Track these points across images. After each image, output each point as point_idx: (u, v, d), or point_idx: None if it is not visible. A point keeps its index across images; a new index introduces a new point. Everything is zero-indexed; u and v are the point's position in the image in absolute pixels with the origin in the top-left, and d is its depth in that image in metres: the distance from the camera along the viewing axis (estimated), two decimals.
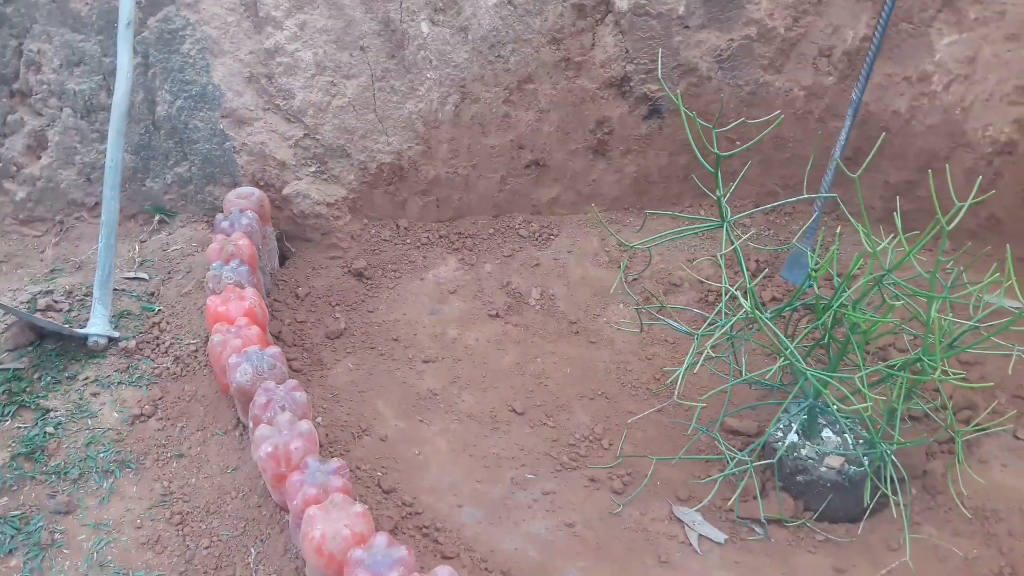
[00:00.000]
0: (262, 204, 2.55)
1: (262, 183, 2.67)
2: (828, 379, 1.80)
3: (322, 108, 2.65)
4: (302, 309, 2.60)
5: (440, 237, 2.88)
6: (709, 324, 1.96)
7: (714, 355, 2.16)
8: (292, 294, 2.64)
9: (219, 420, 2.09)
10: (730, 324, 1.86)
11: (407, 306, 2.66)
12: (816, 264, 1.99)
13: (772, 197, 2.97)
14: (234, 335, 2.01)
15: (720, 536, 1.96)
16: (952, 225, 1.68)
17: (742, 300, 1.76)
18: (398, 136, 2.74)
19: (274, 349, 1.97)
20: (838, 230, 2.74)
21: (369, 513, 1.60)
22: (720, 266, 1.95)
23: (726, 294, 1.85)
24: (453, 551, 1.86)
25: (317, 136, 2.67)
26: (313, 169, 2.70)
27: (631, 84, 2.78)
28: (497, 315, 2.67)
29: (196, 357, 2.24)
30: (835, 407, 1.96)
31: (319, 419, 2.21)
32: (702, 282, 2.71)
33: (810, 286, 1.91)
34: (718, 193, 1.75)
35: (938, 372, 1.71)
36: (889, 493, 1.97)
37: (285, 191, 2.68)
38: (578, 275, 2.79)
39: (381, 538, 1.54)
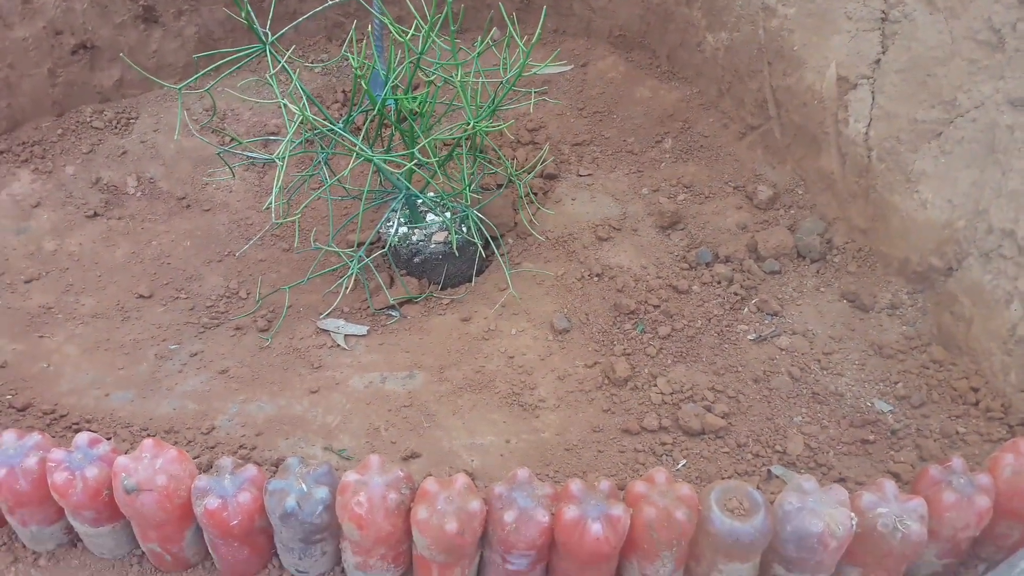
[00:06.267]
0: None
1: None
2: (394, 159, 2.01)
3: None
4: None
5: (0, 153, 2.60)
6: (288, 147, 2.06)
7: (305, 174, 2.30)
8: None
9: None
10: (291, 139, 1.97)
11: None
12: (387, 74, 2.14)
13: (340, 28, 3.07)
14: None
15: (362, 329, 2.17)
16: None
17: (299, 111, 1.88)
18: None
19: None
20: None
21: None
22: (308, 101, 2.03)
23: (289, 115, 1.95)
24: (109, 433, 1.86)
25: None
26: None
27: None
28: (96, 214, 2.53)
29: None
30: (428, 195, 2.22)
31: None
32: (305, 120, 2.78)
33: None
34: (243, 15, 1.80)
35: (473, 124, 2.00)
36: (494, 250, 2.32)
37: None
38: (172, 151, 2.71)
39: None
